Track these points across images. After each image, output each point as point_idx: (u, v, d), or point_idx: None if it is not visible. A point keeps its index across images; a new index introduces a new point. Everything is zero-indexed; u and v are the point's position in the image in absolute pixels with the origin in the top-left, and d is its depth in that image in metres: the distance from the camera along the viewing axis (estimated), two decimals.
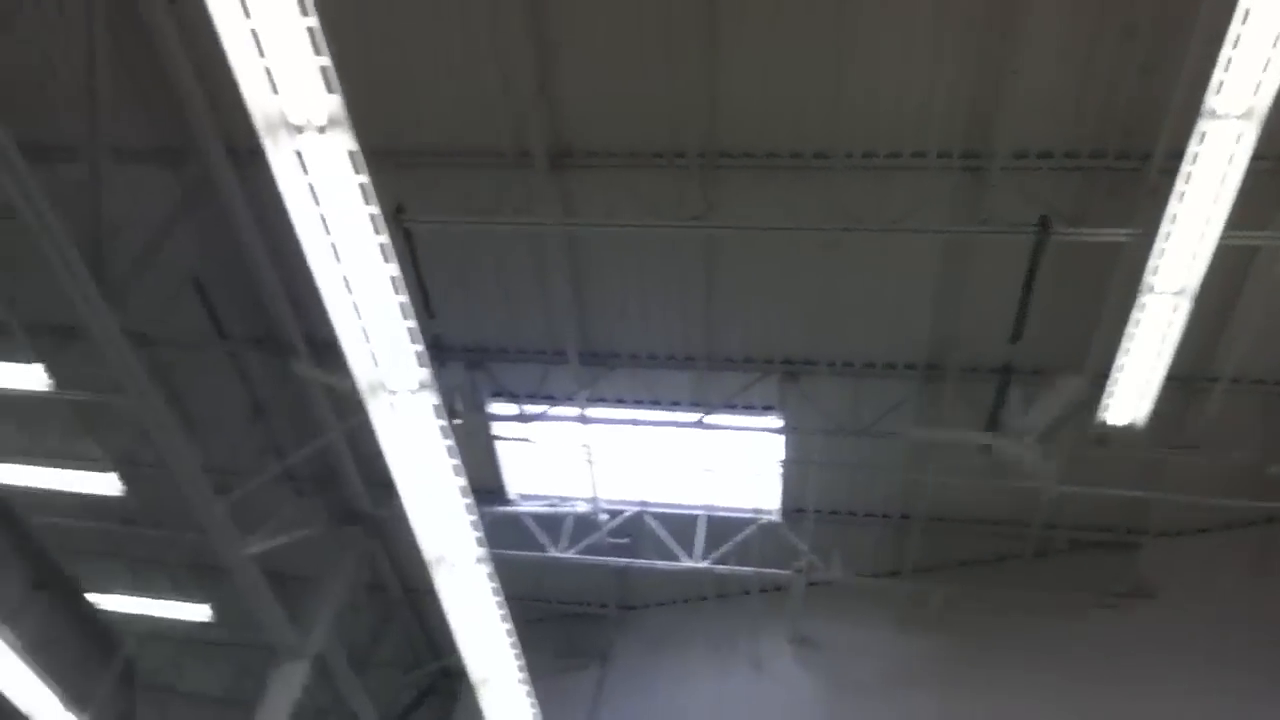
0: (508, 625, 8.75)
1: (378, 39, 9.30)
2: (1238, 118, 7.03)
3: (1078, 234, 8.67)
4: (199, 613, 14.99)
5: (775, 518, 13.08)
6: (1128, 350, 8.92)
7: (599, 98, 9.38)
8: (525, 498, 13.79)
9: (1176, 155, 7.53)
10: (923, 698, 12.57)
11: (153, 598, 14.96)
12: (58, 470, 12.83)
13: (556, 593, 15.02)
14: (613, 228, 9.83)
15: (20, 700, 9.35)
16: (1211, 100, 7.00)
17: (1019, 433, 10.00)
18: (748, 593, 14.08)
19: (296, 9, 4.66)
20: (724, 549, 12.92)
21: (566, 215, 10.19)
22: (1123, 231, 8.59)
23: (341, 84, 5.05)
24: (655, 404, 12.10)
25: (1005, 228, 8.76)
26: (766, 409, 11.90)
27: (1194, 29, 7.85)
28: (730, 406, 11.77)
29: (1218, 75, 6.86)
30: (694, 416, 11.73)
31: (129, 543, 15.16)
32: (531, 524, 13.54)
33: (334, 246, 5.57)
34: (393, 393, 6.44)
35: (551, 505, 13.60)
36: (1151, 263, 8.17)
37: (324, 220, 5.49)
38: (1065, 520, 12.44)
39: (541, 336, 11.75)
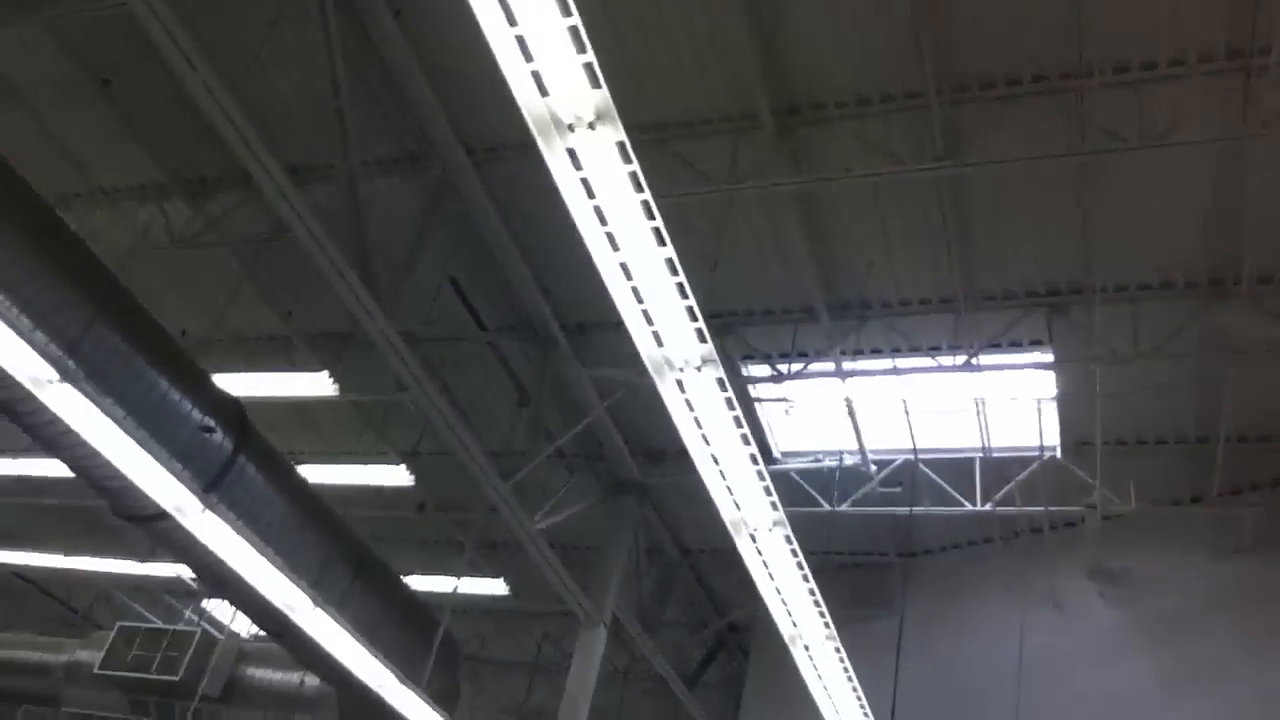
0: (809, 584, 8.96)
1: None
2: None
3: None
4: (495, 587, 16.13)
5: (1056, 454, 12.57)
6: None
7: (820, 47, 9.19)
8: (789, 455, 13.90)
9: None
10: (1240, 626, 11.85)
11: (452, 575, 16.20)
12: (354, 467, 14.10)
13: (835, 544, 15.06)
14: (850, 179, 9.66)
15: (364, 677, 10.43)
16: None
17: None
18: (1038, 530, 13.63)
19: (558, 10, 4.79)
20: (1005, 490, 12.56)
21: (799, 173, 10.07)
22: None
23: None
24: (915, 350, 11.84)
25: None
26: (1034, 344, 11.41)
27: None
28: (995, 345, 11.38)
29: None
30: (957, 360, 11.39)
31: (422, 527, 16.50)
32: (800, 481, 13.64)
33: (610, 236, 5.82)
34: (679, 370, 6.68)
35: (816, 460, 13.65)
36: None
37: (599, 211, 5.72)
38: None
39: (788, 295, 11.74)
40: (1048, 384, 11.73)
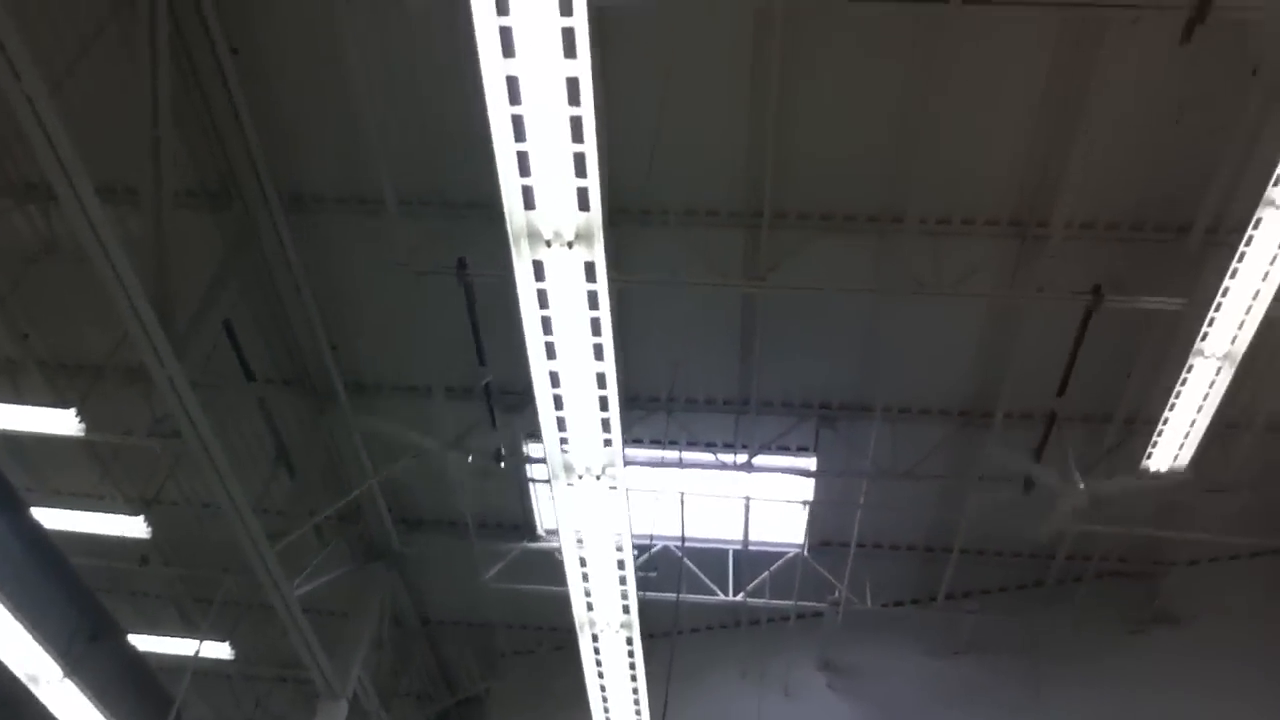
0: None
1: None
2: None
3: (1129, 301, 9.36)
4: (219, 650, 15.33)
5: (804, 552, 13.75)
6: (1172, 406, 9.66)
7: (657, 160, 9.86)
8: (552, 533, 14.30)
9: (1213, 230, 8.23)
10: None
11: (169, 635, 15.27)
12: (87, 513, 13.12)
13: None
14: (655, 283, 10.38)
15: None
16: (1271, 191, 7.69)
17: (1061, 475, 10.72)
18: (784, 619, 14.67)
19: (569, 136, 5.08)
20: (757, 581, 13.58)
21: (616, 268, 10.65)
22: (1173, 301, 9.29)
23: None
24: (693, 444, 12.65)
25: (1061, 294, 9.42)
26: (801, 450, 12.55)
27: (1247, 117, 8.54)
28: (766, 448, 12.43)
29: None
30: (734, 457, 12.31)
31: (137, 580, 15.47)
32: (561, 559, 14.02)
33: (549, 345, 6.09)
34: (579, 476, 6.97)
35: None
36: (1202, 330, 8.89)
37: (545, 322, 6.03)
38: (1091, 550, 13.22)
39: None
40: (807, 488, 12.93)
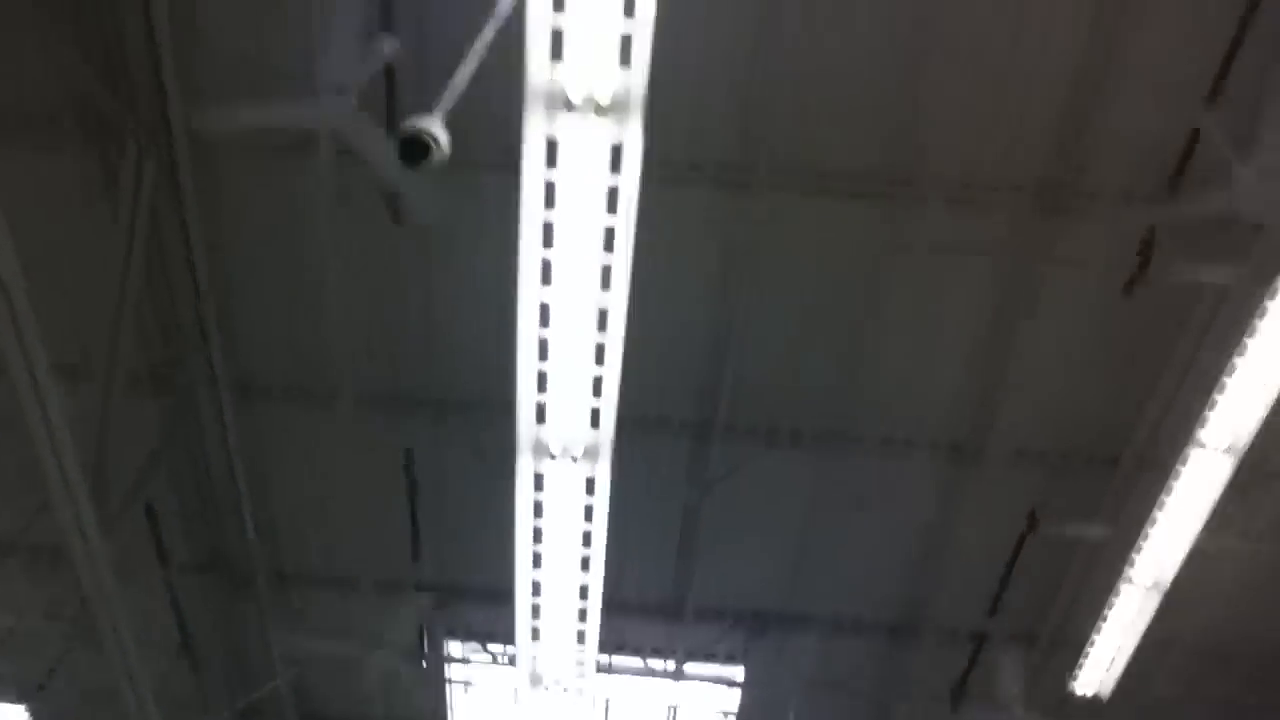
0: None
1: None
2: (1222, 451, 8.32)
3: (1062, 528, 9.81)
4: None
5: None
6: (1099, 629, 10.00)
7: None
8: None
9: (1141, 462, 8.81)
10: None
11: None
12: None
13: None
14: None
15: None
16: (1199, 432, 8.28)
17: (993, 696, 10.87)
18: None
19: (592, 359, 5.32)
20: None
21: None
22: (1100, 530, 9.78)
23: None
24: (619, 649, 12.49)
25: (999, 519, 9.86)
26: (729, 659, 12.50)
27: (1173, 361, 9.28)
28: (693, 656, 12.36)
29: (1206, 411, 8.16)
30: (664, 665, 12.20)
31: None
32: None
33: (536, 554, 6.09)
34: (547, 688, 6.87)
35: None
36: (1130, 557, 9.33)
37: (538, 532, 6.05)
38: None
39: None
40: (733, 698, 12.84)
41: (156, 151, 8.97)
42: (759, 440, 10.45)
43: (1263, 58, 7.47)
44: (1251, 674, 12.02)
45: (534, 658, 6.84)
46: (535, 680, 6.99)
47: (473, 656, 12.71)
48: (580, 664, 6.84)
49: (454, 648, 12.81)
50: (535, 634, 6.68)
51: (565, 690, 7.03)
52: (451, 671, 13.09)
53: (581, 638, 6.66)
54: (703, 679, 12.65)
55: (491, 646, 12.51)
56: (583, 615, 6.52)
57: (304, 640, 12.47)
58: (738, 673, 12.60)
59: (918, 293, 9.30)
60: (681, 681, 12.53)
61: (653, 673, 12.14)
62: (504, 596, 12.04)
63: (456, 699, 13.55)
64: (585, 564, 6.26)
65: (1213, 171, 7.46)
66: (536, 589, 6.41)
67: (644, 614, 12.26)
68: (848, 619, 12.06)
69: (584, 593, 6.40)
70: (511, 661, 12.33)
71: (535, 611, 6.54)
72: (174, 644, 12.90)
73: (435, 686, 13.21)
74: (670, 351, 10.03)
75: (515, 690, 7.25)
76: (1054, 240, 8.59)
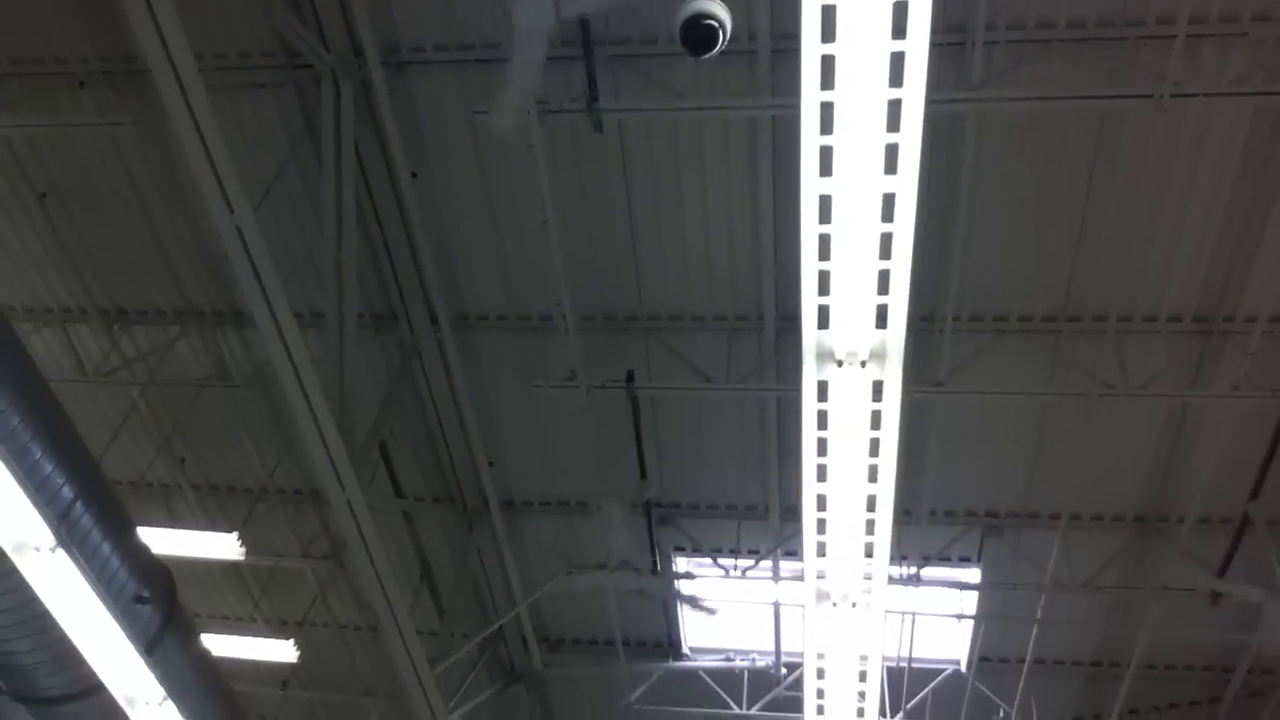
0: None
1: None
2: None
3: None
4: None
5: (961, 668, 13.45)
6: None
7: None
8: (698, 651, 14.17)
9: None
10: None
11: None
12: (237, 637, 13.29)
13: None
14: None
15: None
16: None
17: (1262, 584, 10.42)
18: None
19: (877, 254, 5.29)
20: (917, 699, 13.27)
21: (782, 381, 10.78)
22: None
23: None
24: None
25: (1260, 393, 9.34)
26: (963, 560, 12.38)
27: None
28: (926, 559, 12.29)
29: None
30: (898, 570, 12.19)
31: (278, 705, 15.55)
32: (709, 680, 13.89)
33: (821, 468, 6.14)
34: (835, 605, 6.98)
35: (728, 660, 13.97)
36: None
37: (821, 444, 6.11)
38: (1275, 665, 12.74)
39: (740, 492, 12.28)
40: (970, 601, 12.74)
41: (351, 84, 9.35)
42: (986, 330, 10.22)
43: None
44: None
45: (820, 574, 6.89)
46: (823, 597, 7.05)
47: (700, 572, 12.96)
48: (869, 578, 6.86)
49: (682, 563, 13.12)
50: (821, 549, 6.71)
51: (854, 605, 7.07)
52: (683, 587, 13.38)
53: (871, 551, 6.67)
54: (938, 584, 12.59)
55: (722, 560, 12.75)
56: (870, 527, 6.51)
57: (539, 566, 13.04)
58: (974, 575, 12.48)
59: (1157, 151, 8.83)
60: (918, 586, 12.49)
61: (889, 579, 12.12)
62: (727, 511, 12.48)
63: (688, 614, 13.90)
64: (873, 474, 6.25)
65: None
66: (822, 503, 6.43)
67: None
68: (1088, 514, 11.74)
69: (871, 504, 6.39)
70: (744, 575, 12.59)
71: (821, 526, 6.57)
72: (415, 577, 13.73)
73: (664, 606, 13.57)
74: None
75: (803, 609, 7.28)
76: None
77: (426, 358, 11.34)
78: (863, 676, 8.07)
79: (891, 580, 12.13)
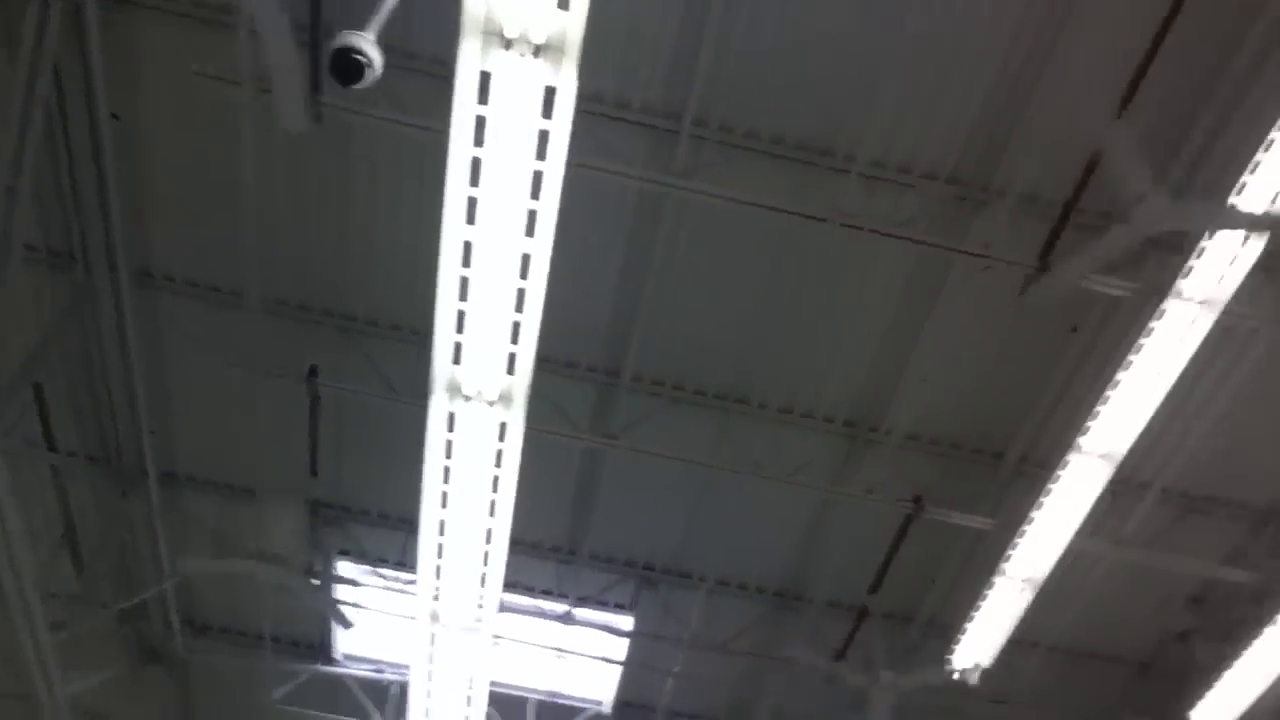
0: None
1: None
2: (1099, 457, 8.81)
3: (945, 515, 10.31)
4: None
5: (607, 710, 14.01)
6: (973, 618, 10.56)
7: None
8: (352, 659, 14.14)
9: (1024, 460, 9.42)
10: None
11: None
12: None
13: None
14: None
15: None
16: (1080, 439, 8.76)
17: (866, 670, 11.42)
18: None
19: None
20: None
21: None
22: (985, 521, 10.29)
23: None
24: (512, 587, 12.85)
25: (887, 499, 10.32)
26: (619, 606, 12.95)
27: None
28: (582, 600, 12.80)
29: (1088, 421, 8.63)
30: (558, 607, 12.64)
31: None
32: (356, 688, 13.88)
33: (444, 495, 6.31)
34: (445, 627, 7.13)
35: (378, 671, 14.00)
36: (1006, 553, 9.85)
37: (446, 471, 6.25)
38: None
39: (412, 506, 12.35)
40: (621, 647, 13.32)
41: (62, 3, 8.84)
42: (665, 395, 10.80)
43: (1174, 74, 7.85)
44: (1110, 677, 12.74)
45: (435, 596, 7.10)
46: (434, 618, 7.26)
47: (363, 579, 12.98)
48: (480, 605, 7.11)
49: (344, 568, 13.09)
50: (437, 572, 6.92)
51: (464, 630, 7.30)
52: (340, 592, 13.34)
53: (484, 580, 6.93)
54: (592, 625, 13.08)
55: (383, 571, 12.81)
56: (486, 559, 6.77)
57: (192, 545, 12.70)
58: (626, 622, 13.04)
59: (831, 267, 9.63)
60: (571, 626, 12.94)
61: (543, 614, 12.55)
62: (399, 523, 12.57)
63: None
64: (492, 509, 6.51)
65: (1118, 184, 7.79)
66: (442, 528, 6.65)
67: (538, 554, 12.66)
68: (735, 581, 12.53)
69: (489, 537, 6.65)
70: (404, 588, 12.67)
71: (439, 550, 6.79)
72: (56, 535, 13.07)
73: (324, 605, 13.47)
74: (583, 297, 10.29)
75: (414, 625, 7.45)
76: (963, 234, 8.94)
77: (101, 306, 10.88)
78: (469, 700, 8.36)
79: (546, 616, 12.65)
